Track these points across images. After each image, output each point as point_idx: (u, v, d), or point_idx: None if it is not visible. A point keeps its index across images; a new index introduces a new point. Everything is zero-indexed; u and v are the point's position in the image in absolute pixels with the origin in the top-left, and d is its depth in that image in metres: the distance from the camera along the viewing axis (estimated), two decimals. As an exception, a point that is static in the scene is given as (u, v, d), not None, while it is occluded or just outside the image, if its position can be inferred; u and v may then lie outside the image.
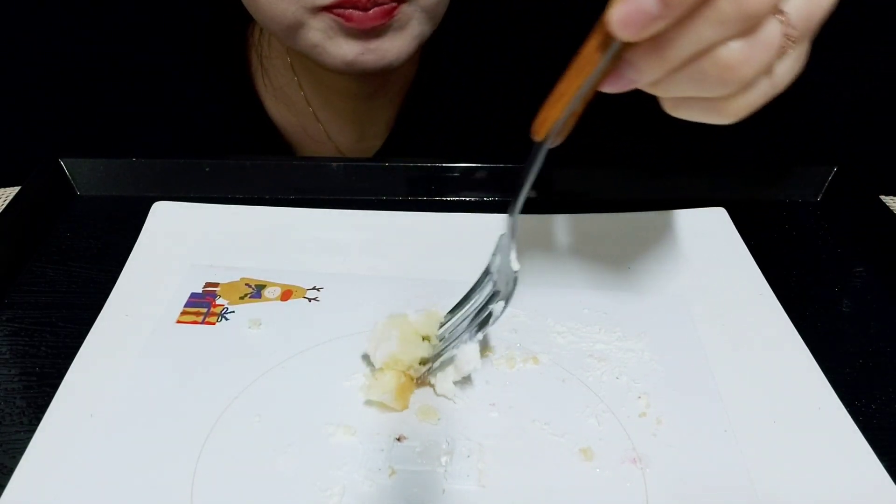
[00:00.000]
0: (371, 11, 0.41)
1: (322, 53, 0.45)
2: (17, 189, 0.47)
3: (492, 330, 0.36)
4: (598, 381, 0.35)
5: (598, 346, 0.37)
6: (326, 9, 0.42)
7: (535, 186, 0.49)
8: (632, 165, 0.50)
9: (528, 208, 0.48)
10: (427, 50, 0.54)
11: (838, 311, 0.41)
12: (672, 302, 0.40)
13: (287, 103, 0.59)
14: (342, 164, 0.49)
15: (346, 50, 0.44)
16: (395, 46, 0.44)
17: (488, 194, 0.49)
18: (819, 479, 0.31)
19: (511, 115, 0.60)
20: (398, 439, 0.31)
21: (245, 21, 0.58)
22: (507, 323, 0.38)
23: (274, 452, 0.31)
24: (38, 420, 0.32)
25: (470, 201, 0.49)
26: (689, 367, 0.36)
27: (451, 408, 0.33)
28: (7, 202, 0.46)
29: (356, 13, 0.41)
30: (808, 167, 0.50)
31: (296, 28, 0.44)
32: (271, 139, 0.59)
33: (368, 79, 0.54)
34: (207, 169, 0.49)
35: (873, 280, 0.43)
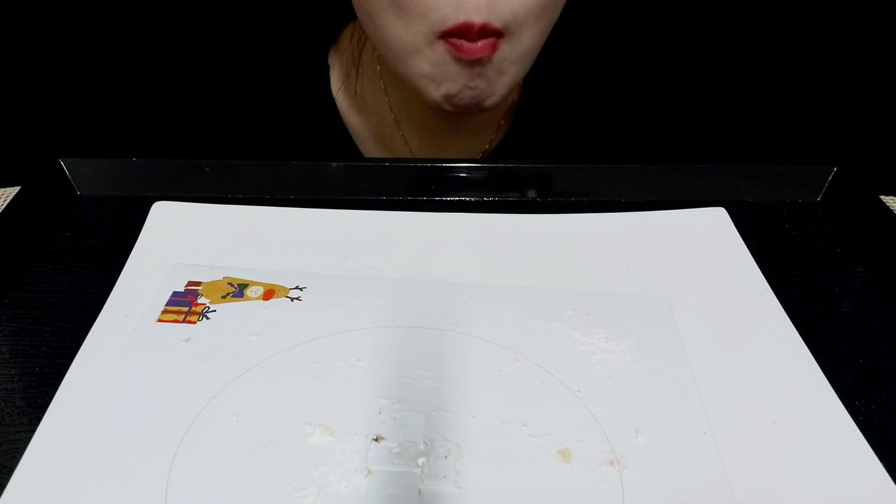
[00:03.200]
0: (479, 43, 0.43)
1: (427, 85, 0.47)
2: (17, 189, 0.47)
3: (474, 332, 0.37)
4: (578, 383, 0.35)
5: (580, 348, 0.37)
6: (442, 36, 0.43)
7: (534, 185, 0.50)
8: (632, 165, 0.50)
9: (527, 208, 0.48)
10: (528, 80, 0.55)
11: (838, 311, 0.41)
12: (656, 303, 0.40)
13: (368, 112, 0.59)
14: (342, 164, 0.49)
15: (450, 84, 0.46)
16: (492, 87, 0.47)
17: (488, 194, 0.49)
18: (819, 479, 0.31)
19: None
20: (375, 439, 0.31)
21: (334, 24, 0.59)
22: (489, 323, 0.38)
23: (250, 452, 0.31)
24: (38, 420, 0.32)
25: (470, 201, 0.49)
26: (670, 369, 0.36)
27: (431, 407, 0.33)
28: (7, 202, 0.46)
29: (466, 44, 0.43)
30: (808, 167, 0.50)
31: (410, 53, 0.45)
32: (347, 148, 0.60)
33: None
34: (207, 169, 0.49)
35: (873, 280, 0.43)
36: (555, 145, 0.61)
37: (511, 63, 0.46)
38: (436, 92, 0.47)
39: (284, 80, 0.59)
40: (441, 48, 0.44)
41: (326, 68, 0.59)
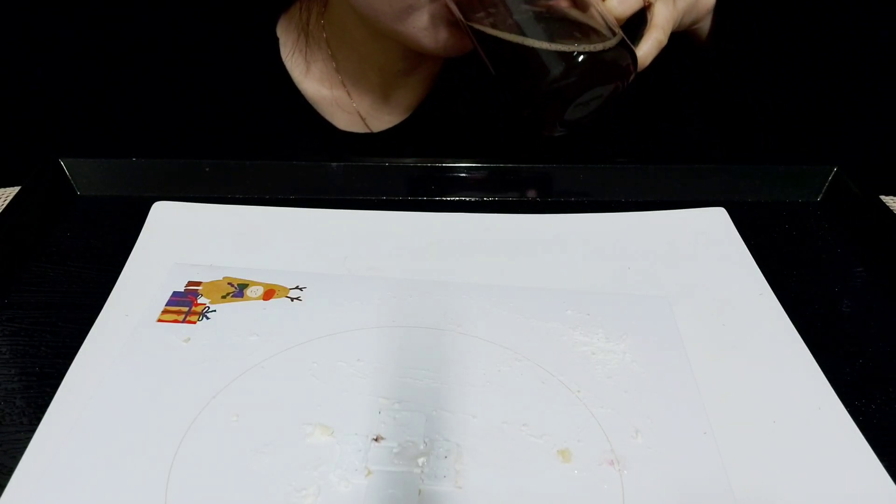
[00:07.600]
0: None
1: (426, 37, 0.47)
2: (17, 189, 0.47)
3: (474, 332, 0.37)
4: (578, 383, 0.35)
5: (580, 348, 0.37)
6: None
7: (534, 185, 0.50)
8: (632, 165, 0.50)
9: (528, 208, 0.48)
10: None
11: (838, 311, 0.41)
12: (656, 303, 0.40)
13: (319, 78, 0.62)
14: (342, 164, 0.49)
15: (447, 35, 0.46)
16: None
17: (488, 194, 0.49)
18: (819, 479, 0.31)
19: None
20: (375, 439, 0.31)
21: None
22: (489, 323, 0.38)
23: (250, 452, 0.31)
24: (38, 420, 0.32)
25: (470, 201, 0.49)
26: (669, 369, 0.36)
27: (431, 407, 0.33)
28: (7, 202, 0.46)
29: None
30: (808, 167, 0.50)
31: (409, 12, 0.46)
32: (306, 114, 0.62)
33: (411, 57, 0.57)
34: (207, 169, 0.49)
35: (873, 280, 0.43)
36: (480, 85, 0.62)
37: None
38: (436, 44, 0.47)
39: (235, 52, 0.61)
40: (440, 2, 0.45)
41: (275, 39, 0.61)
